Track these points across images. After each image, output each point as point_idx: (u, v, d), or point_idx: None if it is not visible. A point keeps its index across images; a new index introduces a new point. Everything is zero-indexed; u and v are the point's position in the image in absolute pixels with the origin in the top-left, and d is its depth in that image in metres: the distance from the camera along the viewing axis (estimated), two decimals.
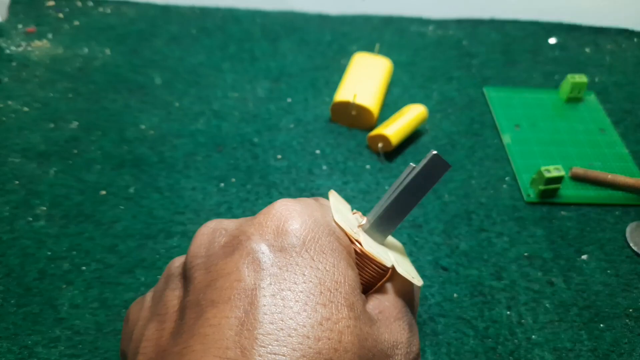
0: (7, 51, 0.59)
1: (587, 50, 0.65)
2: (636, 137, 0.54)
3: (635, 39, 0.67)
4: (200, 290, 0.23)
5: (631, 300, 0.41)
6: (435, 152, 0.26)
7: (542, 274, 0.43)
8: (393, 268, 0.27)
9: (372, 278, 0.27)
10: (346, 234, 0.26)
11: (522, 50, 0.65)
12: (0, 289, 0.39)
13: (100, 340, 0.37)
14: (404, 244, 0.44)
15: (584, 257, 0.44)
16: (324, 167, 0.49)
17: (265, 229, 0.24)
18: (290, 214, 0.25)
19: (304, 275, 0.22)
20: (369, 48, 0.62)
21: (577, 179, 0.50)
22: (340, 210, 0.28)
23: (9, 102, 0.53)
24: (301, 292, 0.22)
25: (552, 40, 0.66)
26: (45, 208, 0.45)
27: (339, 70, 0.59)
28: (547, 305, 0.41)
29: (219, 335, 0.20)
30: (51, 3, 0.66)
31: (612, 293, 0.42)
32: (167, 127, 0.52)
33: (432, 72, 0.61)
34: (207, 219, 0.42)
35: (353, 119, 0.53)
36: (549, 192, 0.48)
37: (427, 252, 0.43)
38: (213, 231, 0.26)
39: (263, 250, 0.23)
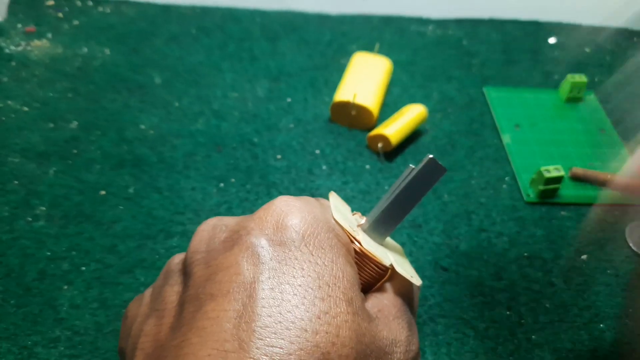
0: (7, 51, 0.59)
1: (587, 50, 0.65)
2: (636, 137, 0.54)
3: (635, 39, 0.67)
4: (200, 284, 0.23)
5: (631, 301, 0.41)
6: (431, 156, 0.26)
7: (542, 274, 0.43)
8: (392, 268, 0.27)
9: (371, 278, 0.27)
10: (345, 232, 0.26)
11: (522, 50, 0.65)
12: (0, 289, 0.39)
13: (100, 341, 0.37)
14: (403, 244, 0.44)
15: (584, 257, 0.44)
16: (324, 167, 0.49)
17: (265, 223, 0.24)
18: (290, 210, 0.25)
19: (303, 269, 0.22)
20: (369, 48, 0.62)
21: (577, 179, 0.50)
22: (340, 210, 0.28)
23: (9, 102, 0.53)
24: (299, 285, 0.22)
25: (552, 40, 0.66)
26: (44, 208, 0.44)
27: (339, 70, 0.59)
28: (547, 305, 0.41)
29: (217, 328, 0.20)
30: (51, 2, 0.66)
31: (612, 293, 0.42)
32: (167, 127, 0.52)
33: (432, 72, 0.61)
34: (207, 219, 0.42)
35: (353, 119, 0.53)
36: (548, 192, 0.48)
37: (427, 252, 0.43)
38: (213, 227, 0.26)
39: (262, 244, 0.23)
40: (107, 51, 0.60)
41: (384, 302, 0.26)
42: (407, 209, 0.27)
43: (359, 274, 0.26)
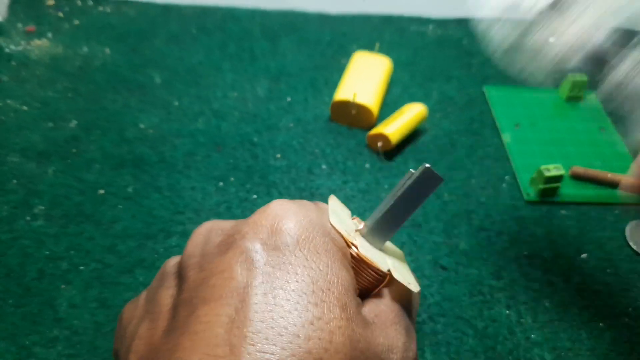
0: (7, 50, 0.59)
1: None
2: (636, 136, 0.54)
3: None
4: (194, 288, 0.23)
5: (631, 300, 0.41)
6: (427, 165, 0.25)
7: (541, 273, 0.42)
8: (390, 274, 0.27)
9: (368, 283, 0.27)
10: (342, 237, 0.26)
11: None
12: None
13: (99, 340, 0.37)
14: (403, 243, 0.44)
15: (584, 256, 0.44)
16: (324, 167, 0.49)
17: (260, 227, 0.24)
18: (285, 213, 0.25)
19: (297, 274, 0.22)
20: (369, 47, 0.62)
21: (577, 178, 0.50)
22: (338, 214, 0.28)
23: (9, 102, 0.53)
24: (293, 290, 0.21)
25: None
26: (44, 208, 0.44)
27: (339, 70, 0.59)
28: (547, 304, 0.41)
29: (209, 333, 0.20)
30: (51, 2, 0.66)
31: (612, 292, 0.42)
32: (167, 126, 0.52)
33: (432, 71, 0.61)
34: (207, 219, 0.42)
35: (353, 118, 0.53)
36: (548, 191, 0.47)
37: (427, 251, 0.43)
38: (209, 231, 0.26)
39: (256, 249, 0.23)
40: (108, 51, 0.60)
41: (381, 308, 0.26)
42: (405, 216, 0.27)
43: (357, 279, 0.26)
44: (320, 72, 0.60)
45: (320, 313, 0.21)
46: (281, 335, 0.20)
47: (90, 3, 0.67)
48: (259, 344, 0.20)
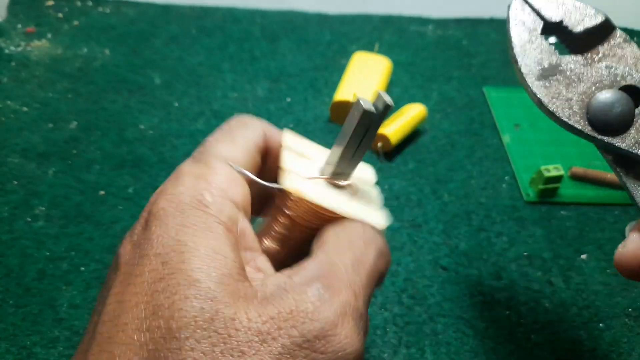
0: (7, 51, 0.59)
1: None
2: None
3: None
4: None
5: (630, 300, 0.41)
6: (359, 100, 0.24)
7: (541, 274, 0.42)
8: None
9: (289, 219, 0.25)
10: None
11: None
12: (0, 289, 0.39)
13: None
14: (404, 243, 0.44)
15: (584, 256, 0.44)
16: None
17: (134, 229, 0.24)
18: (155, 201, 0.23)
19: (146, 264, 0.21)
20: (369, 48, 0.62)
21: (577, 178, 0.50)
22: (294, 163, 0.27)
23: (8, 103, 0.53)
24: (137, 284, 0.21)
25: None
26: (44, 208, 0.44)
27: (339, 70, 0.59)
28: (547, 305, 0.41)
29: (81, 342, 0.22)
30: (50, 3, 0.66)
31: (612, 293, 0.42)
32: (167, 127, 0.52)
33: (432, 72, 0.61)
34: None
35: None
36: (548, 192, 0.47)
37: (427, 251, 0.43)
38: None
39: (122, 252, 0.23)
40: (107, 52, 0.60)
41: (305, 266, 0.23)
42: (363, 150, 0.26)
43: (278, 220, 0.25)
44: (320, 73, 0.60)
45: (162, 300, 0.20)
46: (123, 332, 0.20)
47: (90, 4, 0.67)
48: (103, 345, 0.20)
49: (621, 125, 0.26)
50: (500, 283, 0.42)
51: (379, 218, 0.26)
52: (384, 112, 0.24)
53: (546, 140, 0.53)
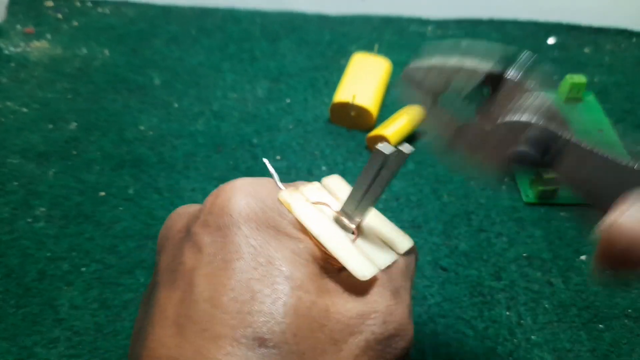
0: (6, 52, 0.59)
1: (587, 50, 0.65)
2: (635, 137, 0.54)
3: (635, 39, 0.67)
4: (158, 271, 0.25)
5: (630, 301, 0.41)
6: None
7: (541, 274, 0.43)
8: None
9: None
10: (293, 215, 0.26)
11: (521, 50, 0.64)
12: (0, 290, 0.39)
13: (100, 341, 0.37)
14: None
15: (583, 257, 0.44)
16: (324, 168, 0.49)
17: (209, 209, 0.25)
18: (233, 193, 0.25)
19: (237, 252, 0.23)
20: (369, 48, 0.62)
21: None
22: (312, 191, 0.28)
23: (8, 103, 0.53)
24: (234, 269, 0.22)
25: (551, 41, 0.66)
26: (44, 209, 0.45)
27: (339, 71, 0.59)
28: (547, 305, 0.41)
29: (161, 315, 0.22)
30: (50, 3, 0.66)
31: (611, 293, 0.42)
32: (167, 127, 0.52)
33: None
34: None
35: (352, 120, 0.53)
36: (547, 193, 0.48)
37: (427, 252, 0.43)
38: (178, 215, 0.27)
39: (202, 231, 0.24)
40: (107, 52, 0.60)
41: None
42: (379, 194, 0.26)
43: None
44: (320, 73, 0.60)
45: (260, 287, 0.22)
46: (225, 314, 0.21)
47: (89, 4, 0.67)
48: (202, 323, 0.21)
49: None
50: (500, 283, 0.42)
51: (362, 268, 0.25)
52: (396, 161, 0.24)
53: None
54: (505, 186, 0.49)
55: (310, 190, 0.28)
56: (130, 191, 0.46)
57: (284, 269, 0.23)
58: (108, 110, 0.54)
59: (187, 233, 0.25)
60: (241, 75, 0.59)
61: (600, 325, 0.40)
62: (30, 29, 0.62)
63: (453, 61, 0.26)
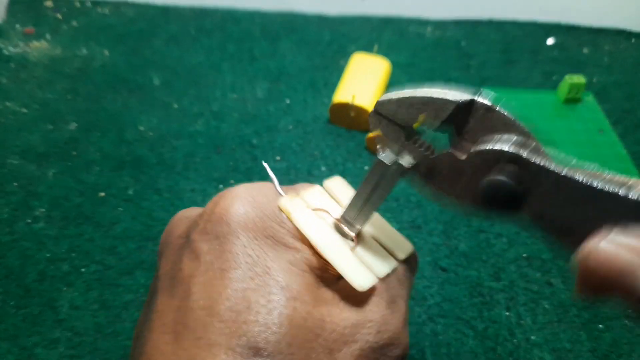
0: (5, 52, 0.59)
1: (586, 50, 0.65)
2: (635, 137, 0.54)
3: (634, 40, 0.67)
4: (158, 277, 0.25)
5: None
6: (380, 157, 0.25)
7: (541, 275, 0.43)
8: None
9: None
10: (291, 222, 0.26)
11: (520, 50, 0.65)
12: (0, 291, 0.39)
13: (100, 342, 0.37)
14: None
15: None
16: (323, 169, 0.49)
17: (206, 217, 0.25)
18: (230, 201, 0.25)
19: (235, 261, 0.23)
20: (368, 48, 0.62)
21: None
22: (313, 196, 0.27)
23: (7, 104, 0.53)
24: (230, 278, 0.22)
25: (550, 41, 0.66)
26: (44, 210, 0.44)
27: (338, 71, 0.59)
28: (546, 305, 0.41)
29: (159, 322, 0.22)
30: (49, 4, 0.66)
31: None
32: (166, 128, 0.52)
33: (431, 73, 0.61)
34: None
35: (352, 120, 0.53)
36: None
37: (427, 253, 0.44)
38: (178, 220, 0.27)
39: (200, 239, 0.24)
40: (107, 52, 0.60)
41: None
42: (379, 202, 0.26)
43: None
44: (319, 73, 0.60)
45: (257, 297, 0.22)
46: (220, 322, 0.21)
47: (89, 4, 0.67)
48: (197, 331, 0.21)
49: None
50: (499, 284, 0.42)
51: (360, 278, 0.25)
52: (396, 174, 0.25)
53: (544, 141, 0.53)
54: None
55: (311, 195, 0.28)
56: (130, 192, 0.46)
57: (280, 279, 0.23)
58: (108, 111, 0.54)
59: (187, 240, 0.25)
60: (241, 76, 0.59)
61: (600, 326, 0.40)
62: (30, 29, 0.62)
63: (422, 92, 0.25)
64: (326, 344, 0.22)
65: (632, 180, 0.22)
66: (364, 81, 0.54)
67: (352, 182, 0.48)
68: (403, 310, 0.26)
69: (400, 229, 0.45)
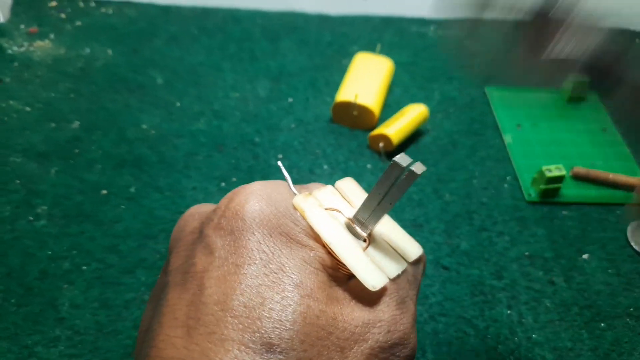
0: (9, 51, 0.59)
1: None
2: (638, 136, 0.54)
3: (637, 40, 0.66)
4: (169, 271, 0.25)
5: (632, 300, 0.41)
6: (396, 159, 0.25)
7: (543, 274, 0.42)
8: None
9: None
10: (306, 221, 0.26)
11: None
12: (1, 289, 0.39)
13: (100, 340, 0.37)
14: None
15: (585, 256, 0.44)
16: (325, 167, 0.49)
17: (222, 212, 0.25)
18: (245, 197, 0.25)
19: (250, 257, 0.23)
20: (369, 48, 0.62)
21: (579, 178, 0.50)
22: (325, 196, 0.28)
23: (11, 102, 0.53)
24: (244, 274, 0.22)
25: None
26: (46, 208, 0.45)
27: (340, 70, 0.59)
28: (548, 304, 0.41)
29: (170, 316, 0.22)
30: (53, 3, 0.67)
31: (613, 292, 0.42)
32: (168, 126, 0.52)
33: (433, 72, 0.61)
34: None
35: (354, 119, 0.53)
36: (550, 192, 0.47)
37: (428, 251, 0.43)
38: (190, 216, 0.27)
39: (214, 234, 0.24)
40: (109, 52, 0.60)
41: None
42: (390, 205, 0.27)
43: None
44: (320, 73, 0.60)
45: (271, 294, 0.22)
46: (233, 317, 0.21)
47: (92, 4, 0.67)
48: (210, 326, 0.21)
49: None
50: (501, 282, 0.42)
51: (372, 278, 0.25)
52: (408, 177, 0.25)
53: (548, 140, 0.53)
54: (508, 185, 0.49)
55: (324, 194, 0.28)
56: (132, 190, 0.46)
57: (294, 276, 0.23)
58: (109, 110, 0.54)
59: (200, 234, 0.25)
60: (242, 75, 0.59)
61: (602, 324, 0.39)
62: (33, 28, 0.63)
63: None
64: (338, 342, 0.22)
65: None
66: (367, 80, 0.54)
67: (358, 182, 0.48)
68: (412, 311, 0.26)
69: (402, 228, 0.45)
